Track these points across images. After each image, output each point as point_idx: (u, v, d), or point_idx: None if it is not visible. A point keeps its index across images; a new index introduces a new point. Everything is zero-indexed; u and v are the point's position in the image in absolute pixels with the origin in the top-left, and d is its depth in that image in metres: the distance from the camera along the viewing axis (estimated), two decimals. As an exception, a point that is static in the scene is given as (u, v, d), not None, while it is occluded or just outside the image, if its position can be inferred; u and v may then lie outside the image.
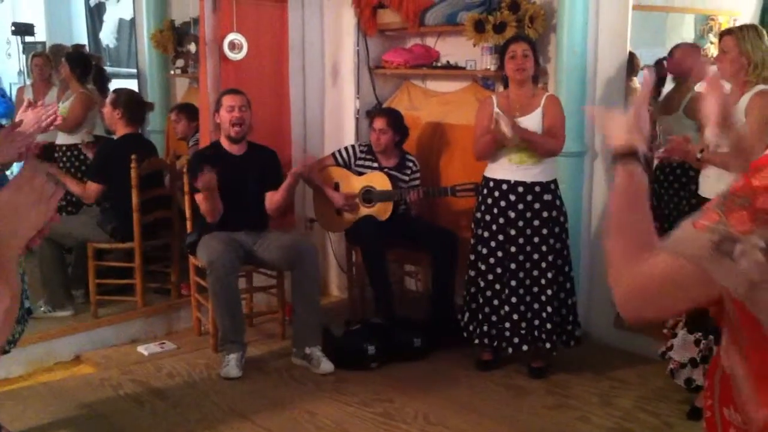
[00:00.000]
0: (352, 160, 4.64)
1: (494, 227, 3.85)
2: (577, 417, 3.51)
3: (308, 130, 5.11)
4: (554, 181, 3.85)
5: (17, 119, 2.84)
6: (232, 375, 3.89)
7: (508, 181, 3.81)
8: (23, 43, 6.80)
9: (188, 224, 4.48)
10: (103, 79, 5.71)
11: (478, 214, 3.92)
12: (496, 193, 3.84)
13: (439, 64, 4.90)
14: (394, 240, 4.44)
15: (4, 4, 7.64)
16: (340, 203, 4.54)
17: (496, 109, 3.77)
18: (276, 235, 4.25)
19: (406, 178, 4.60)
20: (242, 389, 3.80)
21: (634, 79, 4.69)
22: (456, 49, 4.78)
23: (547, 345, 3.81)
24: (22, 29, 6.73)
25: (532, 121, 3.76)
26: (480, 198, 3.94)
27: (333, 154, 4.71)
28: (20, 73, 7.23)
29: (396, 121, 4.57)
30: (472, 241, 3.95)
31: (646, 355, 3.97)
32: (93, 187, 4.49)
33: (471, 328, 3.97)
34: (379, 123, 4.54)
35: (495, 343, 3.90)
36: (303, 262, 4.07)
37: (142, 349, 4.30)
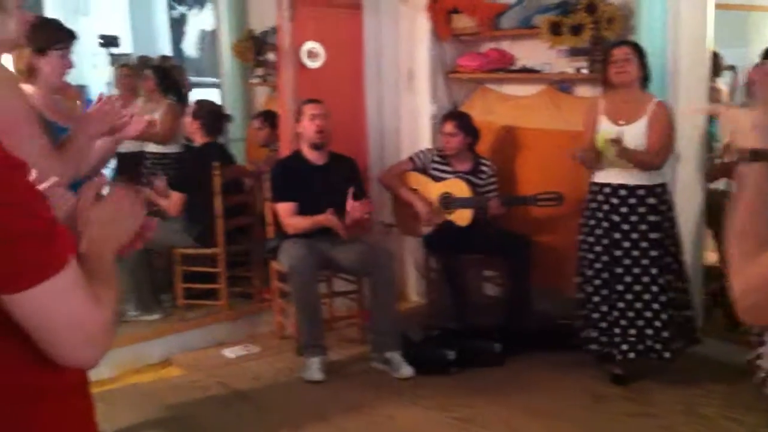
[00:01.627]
0: (428, 163, 4.67)
1: (598, 231, 3.82)
2: (659, 426, 3.47)
3: (384, 136, 5.17)
4: (662, 185, 3.78)
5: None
6: (314, 378, 3.97)
7: (610, 185, 3.79)
8: (110, 54, 7.05)
9: (269, 230, 4.59)
10: (182, 90, 5.88)
11: (583, 219, 3.91)
12: (600, 197, 3.82)
13: (514, 68, 4.88)
14: (471, 245, 4.46)
15: (91, 17, 7.95)
16: (424, 212, 4.55)
17: (606, 128, 3.75)
18: (354, 240, 4.31)
19: (481, 182, 4.61)
20: (324, 392, 3.88)
21: (718, 80, 4.57)
22: (531, 53, 4.75)
23: (667, 354, 3.71)
24: (109, 41, 6.97)
25: (636, 131, 3.71)
26: (586, 202, 3.92)
27: (410, 158, 4.76)
28: (107, 84, 7.51)
29: (465, 123, 4.58)
30: (579, 247, 3.93)
31: (732, 363, 3.83)
32: (175, 197, 4.65)
33: (582, 334, 3.93)
34: (448, 127, 4.56)
35: (606, 350, 3.85)
36: (379, 268, 4.13)
37: (228, 352, 4.43)
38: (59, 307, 1.10)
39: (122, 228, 1.33)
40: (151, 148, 5.58)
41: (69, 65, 2.97)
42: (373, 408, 3.68)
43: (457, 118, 4.62)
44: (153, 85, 5.65)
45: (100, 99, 2.80)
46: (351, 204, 4.16)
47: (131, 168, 5.55)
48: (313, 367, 4.00)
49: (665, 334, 3.70)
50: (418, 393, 3.82)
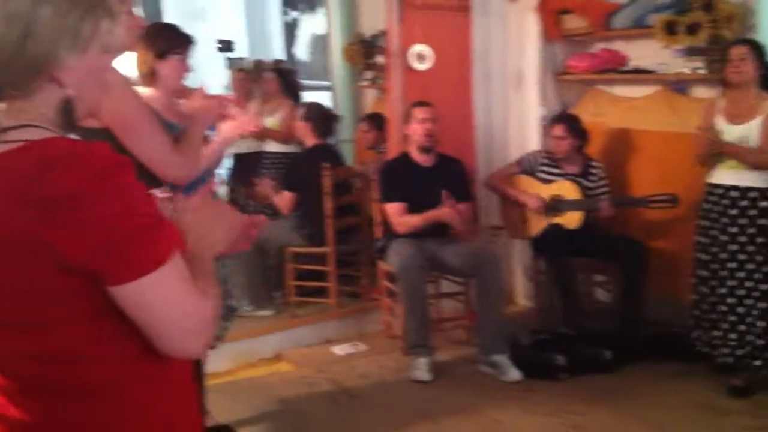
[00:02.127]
0: (536, 165, 4.64)
1: (713, 232, 3.76)
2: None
3: (492, 138, 5.15)
4: None
5: (218, 131, 3.10)
6: (421, 378, 4.01)
7: (722, 186, 3.72)
8: (226, 58, 7.30)
9: (377, 230, 4.66)
10: (297, 92, 6.04)
11: (698, 220, 3.86)
12: (713, 198, 3.77)
13: (627, 69, 4.78)
14: (581, 249, 4.40)
15: (208, 23, 8.25)
16: (535, 205, 4.53)
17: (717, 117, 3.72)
18: (461, 242, 4.33)
19: (591, 184, 4.54)
20: (431, 393, 3.91)
21: None
22: (645, 53, 4.63)
23: (757, 363, 3.64)
24: (225, 45, 7.21)
25: (747, 131, 3.62)
26: (701, 203, 3.85)
27: (518, 161, 4.73)
28: (224, 87, 7.78)
29: (574, 126, 4.52)
30: (694, 248, 3.88)
31: None
32: (287, 196, 4.80)
33: (695, 335, 3.89)
34: (557, 130, 4.52)
35: (715, 353, 3.80)
36: (486, 270, 4.13)
37: (336, 349, 4.53)
38: (164, 297, 1.17)
39: (215, 237, 1.40)
40: (271, 147, 5.76)
41: (188, 69, 3.05)
42: (481, 411, 3.69)
43: (566, 121, 4.57)
44: (275, 87, 5.83)
45: (200, 91, 2.95)
46: (448, 203, 4.19)
47: (249, 168, 5.74)
48: (421, 367, 4.04)
49: (760, 342, 3.61)
50: (527, 398, 3.80)
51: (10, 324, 1.19)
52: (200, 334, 1.23)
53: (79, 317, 1.17)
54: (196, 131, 2.75)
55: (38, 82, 1.18)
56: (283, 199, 4.83)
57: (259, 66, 6.48)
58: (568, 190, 4.48)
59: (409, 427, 3.56)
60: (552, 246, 4.43)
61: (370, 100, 6.45)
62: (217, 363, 3.93)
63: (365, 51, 6.14)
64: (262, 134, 5.51)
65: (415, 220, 4.26)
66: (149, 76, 2.98)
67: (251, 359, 4.40)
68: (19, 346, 1.19)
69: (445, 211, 4.16)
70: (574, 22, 4.89)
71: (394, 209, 4.33)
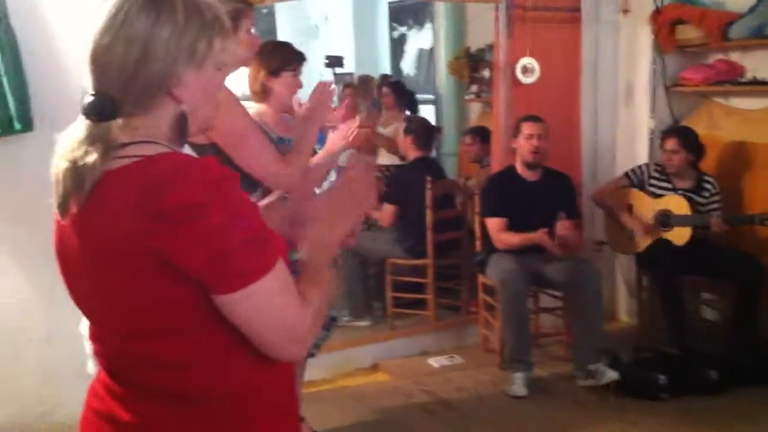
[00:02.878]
0: (645, 179, 4.49)
1: None
2: None
3: (599, 152, 5.04)
4: None
5: (327, 142, 3.15)
6: (518, 393, 3.93)
7: None
8: (334, 74, 7.44)
9: (477, 243, 4.62)
10: (414, 105, 6.09)
11: None
12: None
13: (744, 80, 4.57)
14: (690, 266, 4.21)
15: (319, 40, 8.45)
16: (639, 232, 4.39)
17: None
18: (563, 257, 4.24)
19: (703, 200, 4.35)
20: (528, 409, 3.83)
21: None
22: (764, 64, 4.42)
23: None
24: (334, 61, 7.36)
25: None
26: None
27: (626, 174, 4.61)
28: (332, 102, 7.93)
29: (688, 140, 4.35)
30: None
31: None
32: (388, 209, 4.82)
33: None
34: (670, 144, 4.36)
35: None
36: (585, 285, 4.04)
37: (433, 362, 4.50)
38: (265, 307, 1.20)
39: (353, 214, 1.43)
40: (382, 159, 5.85)
41: (299, 85, 3.12)
42: (579, 428, 3.59)
43: (679, 134, 4.41)
44: (390, 101, 5.94)
45: (320, 85, 3.01)
46: (561, 223, 4.09)
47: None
48: (518, 382, 3.96)
49: None
50: (625, 418, 3.67)
51: (127, 334, 1.25)
52: (297, 343, 1.26)
53: (194, 327, 1.22)
54: (309, 134, 2.79)
55: (157, 99, 1.24)
56: (385, 212, 4.86)
57: (364, 81, 6.58)
58: (677, 204, 4.31)
59: (506, 442, 3.49)
60: (659, 262, 4.26)
61: (475, 113, 6.44)
62: (314, 371, 3.95)
63: (471, 65, 6.14)
64: (370, 143, 5.58)
65: (513, 240, 4.21)
66: (261, 93, 3.08)
67: (348, 369, 4.41)
68: (135, 355, 1.25)
69: (540, 236, 4.07)
70: (688, 33, 4.72)
71: (494, 224, 4.28)
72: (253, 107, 3.15)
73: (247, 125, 2.56)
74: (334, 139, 3.04)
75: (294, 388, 1.43)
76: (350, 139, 3.04)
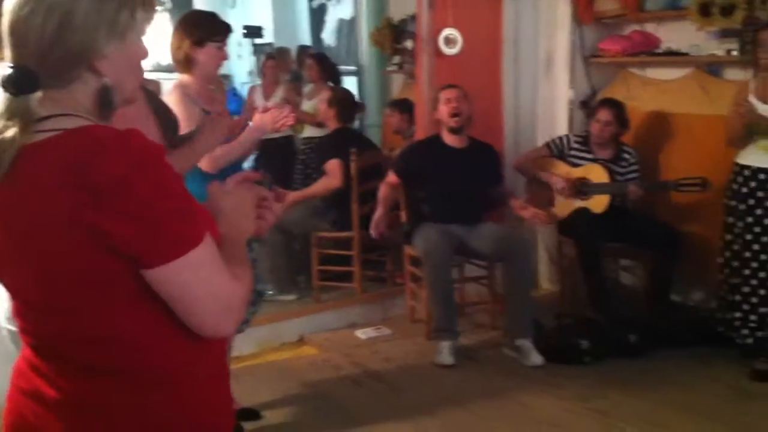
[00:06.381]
0: (566, 149, 4.57)
1: (738, 213, 3.73)
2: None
3: (520, 122, 5.10)
4: None
5: (253, 121, 3.09)
6: (445, 362, 3.98)
7: (750, 167, 3.68)
8: (253, 45, 7.30)
9: (402, 215, 4.62)
10: (338, 78, 6.03)
11: (725, 200, 3.82)
12: (740, 179, 3.72)
13: (660, 51, 4.69)
14: (609, 233, 4.32)
15: (237, 9, 8.26)
16: (560, 185, 4.46)
17: (750, 97, 3.65)
18: (488, 226, 4.28)
19: (622, 170, 4.46)
20: (455, 377, 3.88)
21: None
22: (678, 35, 4.54)
23: None
24: (252, 32, 7.23)
25: None
26: (729, 183, 3.80)
27: (547, 144, 4.68)
28: (250, 73, 7.79)
29: (621, 113, 4.45)
30: (722, 228, 3.84)
31: None
32: (334, 164, 4.68)
33: (719, 317, 3.88)
34: (605, 114, 4.43)
35: (737, 334, 3.78)
36: (516, 254, 4.09)
37: (360, 334, 4.51)
38: (197, 278, 1.18)
39: (248, 221, 1.41)
40: (307, 132, 5.77)
41: (225, 57, 3.08)
42: (506, 395, 3.65)
43: (615, 106, 4.47)
44: (315, 73, 5.86)
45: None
46: (516, 204, 4.30)
47: (278, 155, 5.74)
48: (444, 351, 4.00)
49: None
50: (552, 382, 3.75)
51: (55, 308, 1.22)
52: (232, 314, 1.25)
53: (122, 301, 1.20)
54: (209, 140, 2.71)
55: (77, 71, 1.21)
56: (332, 169, 4.69)
57: (282, 53, 6.49)
58: (596, 173, 4.41)
59: (434, 410, 3.52)
60: (579, 229, 4.36)
61: (398, 84, 6.41)
62: (240, 347, 3.95)
63: (394, 36, 6.10)
64: (298, 120, 5.54)
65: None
66: (185, 63, 3.01)
67: (275, 343, 4.39)
68: (61, 330, 1.22)
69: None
70: (606, 5, 4.81)
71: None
72: (177, 78, 3.07)
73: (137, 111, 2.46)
74: (262, 120, 2.98)
75: (225, 363, 1.42)
76: (279, 125, 3.00)
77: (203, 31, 2.97)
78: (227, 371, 1.44)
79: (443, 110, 4.29)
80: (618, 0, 4.70)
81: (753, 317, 3.67)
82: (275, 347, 4.36)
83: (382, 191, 4.39)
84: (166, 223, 1.14)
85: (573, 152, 4.54)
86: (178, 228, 1.16)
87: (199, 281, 1.19)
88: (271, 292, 4.71)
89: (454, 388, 3.75)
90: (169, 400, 1.26)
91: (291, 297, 4.83)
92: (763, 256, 3.62)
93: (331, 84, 5.78)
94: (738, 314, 3.73)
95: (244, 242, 1.38)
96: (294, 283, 4.93)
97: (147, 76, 2.20)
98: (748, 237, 3.67)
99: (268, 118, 2.97)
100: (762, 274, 3.63)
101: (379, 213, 4.34)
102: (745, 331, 3.71)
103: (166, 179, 1.17)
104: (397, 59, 6.18)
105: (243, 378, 3.68)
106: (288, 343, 4.44)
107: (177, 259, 1.15)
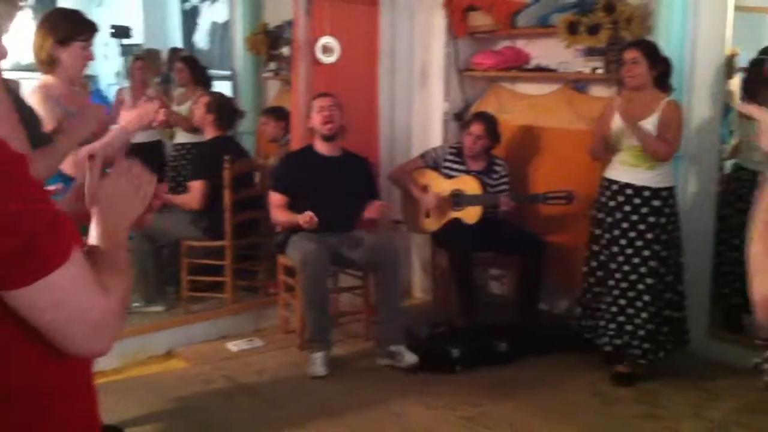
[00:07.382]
0: (440, 160, 4.64)
1: (605, 225, 3.85)
2: (667, 428, 3.43)
3: (396, 132, 5.14)
4: (669, 189, 3.79)
5: (120, 120, 2.95)
6: (318, 373, 3.94)
7: (618, 182, 3.81)
8: (121, 45, 7.02)
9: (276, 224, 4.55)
10: (209, 81, 5.86)
11: (593, 212, 3.94)
12: (608, 193, 3.85)
13: (530, 67, 4.85)
14: (481, 244, 4.43)
15: (104, 8, 7.92)
16: (431, 205, 4.52)
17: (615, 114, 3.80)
18: (361, 236, 4.28)
19: (493, 182, 4.57)
20: (328, 388, 3.85)
21: (730, 81, 4.52)
22: (548, 52, 4.72)
23: (635, 352, 3.77)
24: (120, 32, 6.94)
25: (646, 127, 3.71)
26: (597, 196, 3.93)
27: (422, 155, 4.73)
28: (117, 74, 7.48)
29: (493, 127, 4.55)
30: (588, 239, 3.97)
31: (740, 367, 3.81)
32: (197, 185, 4.59)
33: (583, 324, 4.00)
34: (478, 129, 4.52)
35: (598, 341, 3.91)
36: (386, 264, 4.11)
37: (231, 345, 4.40)
38: (64, 298, 1.09)
39: (134, 201, 1.35)
40: (180, 138, 5.58)
41: (90, 57, 2.99)
42: (379, 405, 3.64)
43: (487, 121, 4.57)
44: (185, 76, 5.67)
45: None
46: (371, 205, 4.23)
47: (146, 159, 5.51)
48: (317, 362, 3.97)
49: (642, 332, 3.75)
50: (424, 390, 3.78)
51: None
52: (106, 332, 1.15)
53: None
54: (73, 138, 2.57)
55: None
56: (194, 190, 4.62)
57: (152, 55, 6.28)
58: (469, 185, 4.50)
59: (307, 422, 3.48)
60: (454, 240, 4.43)
61: (273, 91, 6.32)
62: (103, 361, 3.73)
63: (269, 41, 6.00)
64: (170, 124, 5.36)
65: (281, 218, 4.27)
66: (48, 63, 2.90)
67: (140, 357, 4.21)
68: None
69: (304, 218, 4.07)
70: (479, 20, 4.93)
71: (274, 199, 4.29)
72: (40, 79, 2.93)
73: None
74: (129, 119, 2.85)
75: (92, 383, 1.32)
76: (148, 120, 2.88)
77: (67, 30, 2.87)
78: (95, 390, 1.33)
79: (316, 118, 4.26)
80: (491, 15, 4.82)
81: (612, 326, 3.81)
82: (141, 361, 4.19)
83: (279, 216, 4.27)
84: (25, 239, 1.04)
85: (447, 163, 4.61)
86: (40, 245, 1.05)
87: (64, 301, 1.08)
88: (137, 304, 4.53)
89: (327, 399, 3.71)
90: (32, 424, 1.16)
91: (159, 308, 4.65)
92: (626, 267, 3.77)
93: (202, 88, 5.62)
94: (601, 322, 3.88)
95: (127, 232, 1.31)
96: (162, 294, 4.74)
97: (6, 75, 2.07)
98: (615, 249, 3.80)
99: (135, 114, 2.84)
100: (623, 285, 3.78)
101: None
102: (605, 339, 3.85)
103: (34, 191, 1.07)
104: (273, 65, 6.09)
105: (105, 394, 3.43)
106: (155, 356, 4.28)
107: (39, 280, 1.05)
